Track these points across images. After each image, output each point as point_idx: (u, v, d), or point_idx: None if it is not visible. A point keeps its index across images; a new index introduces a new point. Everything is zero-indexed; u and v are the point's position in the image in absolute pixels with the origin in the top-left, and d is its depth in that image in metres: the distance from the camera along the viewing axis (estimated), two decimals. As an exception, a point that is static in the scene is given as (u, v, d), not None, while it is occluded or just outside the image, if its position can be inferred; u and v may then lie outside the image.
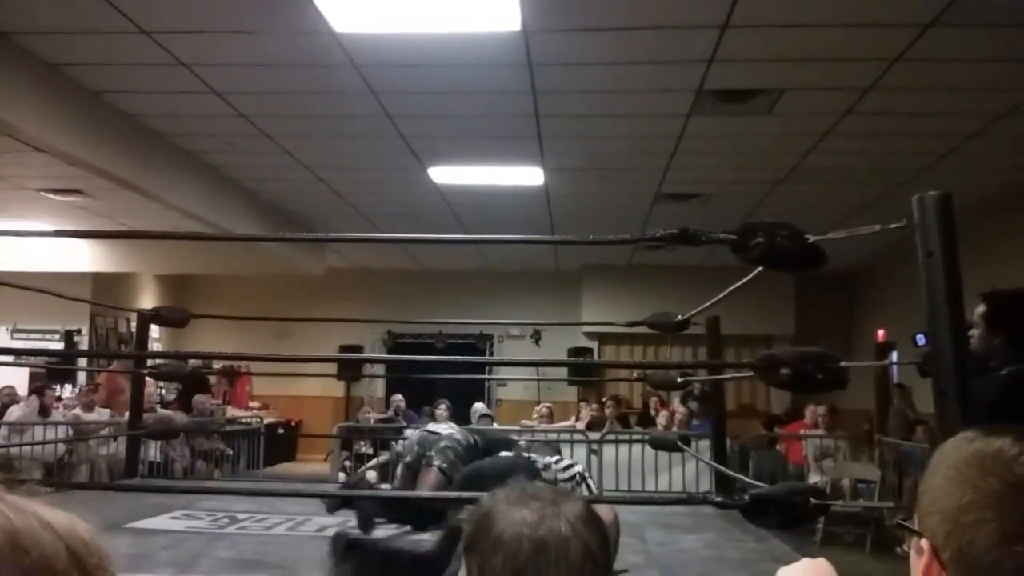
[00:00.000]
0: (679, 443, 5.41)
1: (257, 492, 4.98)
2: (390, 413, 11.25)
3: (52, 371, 11.54)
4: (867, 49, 5.35)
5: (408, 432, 4.85)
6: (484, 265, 13.96)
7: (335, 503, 4.44)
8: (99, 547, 0.76)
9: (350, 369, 11.39)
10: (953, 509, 0.93)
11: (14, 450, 7.91)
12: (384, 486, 6.44)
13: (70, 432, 8.87)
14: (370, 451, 9.66)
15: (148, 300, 13.38)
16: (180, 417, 9.76)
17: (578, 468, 4.30)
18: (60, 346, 12.73)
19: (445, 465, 4.41)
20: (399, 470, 5.08)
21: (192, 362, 7.75)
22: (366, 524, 4.31)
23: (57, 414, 9.15)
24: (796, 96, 6.14)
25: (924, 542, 0.96)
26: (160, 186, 7.69)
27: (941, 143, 7.16)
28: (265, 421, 12.73)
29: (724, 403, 5.71)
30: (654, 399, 11.25)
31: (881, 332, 12.33)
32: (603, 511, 4.94)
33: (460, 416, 9.17)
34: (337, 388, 13.70)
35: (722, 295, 3.98)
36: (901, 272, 10.11)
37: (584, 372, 12.83)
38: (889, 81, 5.76)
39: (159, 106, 6.73)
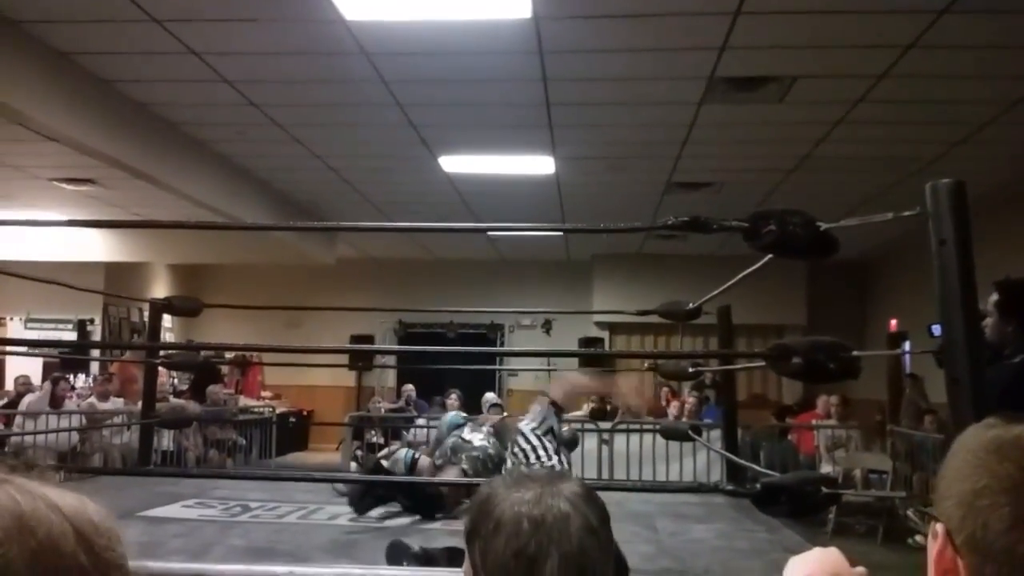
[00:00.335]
0: (690, 433, 5.41)
1: (270, 477, 5.01)
2: (401, 403, 11.28)
3: (66, 360, 11.60)
4: (880, 36, 5.32)
5: (446, 436, 4.82)
6: (495, 254, 13.96)
7: (362, 505, 4.42)
8: (109, 528, 0.76)
9: (361, 359, 11.41)
10: (968, 493, 0.93)
11: (28, 438, 7.95)
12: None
13: (84, 421, 8.92)
14: (381, 441, 9.69)
15: (161, 289, 13.44)
16: (193, 406, 9.79)
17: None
18: (73, 335, 12.80)
19: (469, 469, 4.42)
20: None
21: (204, 352, 7.78)
22: (359, 504, 4.33)
23: (71, 403, 9.21)
24: (808, 84, 6.11)
25: (939, 526, 0.97)
26: (172, 175, 7.71)
27: (955, 131, 7.11)
28: (277, 410, 12.78)
29: (735, 393, 5.69)
30: (665, 389, 11.24)
31: (894, 322, 12.28)
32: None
33: (470, 406, 9.17)
34: (348, 377, 13.73)
35: (733, 282, 3.97)
36: (914, 261, 10.07)
37: (595, 361, 12.82)
38: (902, 68, 5.72)
39: (170, 95, 6.75)
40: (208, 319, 12.73)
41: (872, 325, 13.25)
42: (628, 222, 4.03)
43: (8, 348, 10.46)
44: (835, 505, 6.29)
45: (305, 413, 14.22)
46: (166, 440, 8.68)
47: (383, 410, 10.96)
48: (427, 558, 3.11)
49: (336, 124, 7.41)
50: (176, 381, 12.08)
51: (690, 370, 5.32)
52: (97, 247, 11.63)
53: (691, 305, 4.38)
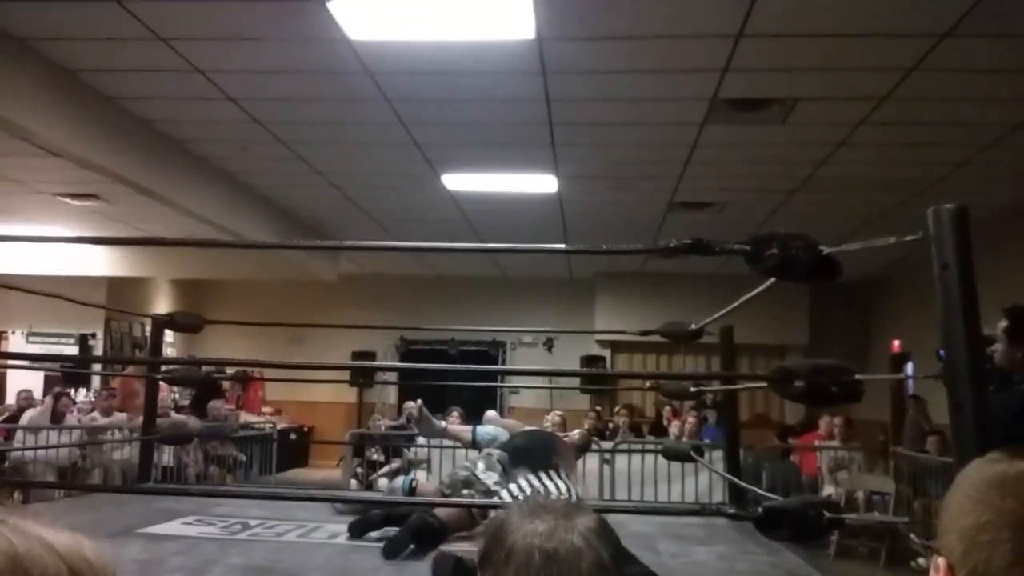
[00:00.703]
0: (692, 453, 5.39)
1: (271, 496, 4.99)
2: (402, 420, 11.25)
3: (67, 375, 11.59)
4: (882, 59, 5.33)
5: (483, 448, 4.80)
6: (497, 272, 13.96)
7: (361, 527, 4.39)
8: (104, 565, 0.75)
9: (363, 375, 11.39)
10: (970, 528, 0.93)
11: (28, 454, 7.94)
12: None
13: (85, 436, 8.90)
14: (382, 458, 9.66)
15: (163, 305, 13.45)
16: (194, 422, 9.78)
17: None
18: (75, 350, 12.80)
19: (477, 513, 4.42)
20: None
21: (206, 367, 7.78)
22: (360, 529, 4.30)
23: (71, 418, 9.19)
24: (811, 105, 6.12)
25: (941, 560, 0.96)
26: (175, 191, 7.73)
27: (957, 153, 7.12)
28: (278, 426, 12.75)
29: (738, 413, 5.68)
30: (667, 408, 11.22)
31: (896, 343, 12.26)
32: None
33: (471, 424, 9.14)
34: (350, 394, 13.71)
35: (735, 305, 3.97)
36: (917, 281, 10.06)
37: (597, 380, 12.82)
38: (904, 91, 5.73)
39: (174, 112, 6.77)
40: (210, 334, 12.72)
41: (875, 345, 13.23)
42: (630, 241, 4.04)
43: (10, 362, 10.47)
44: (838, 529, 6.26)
45: (306, 429, 14.19)
46: (167, 456, 8.66)
47: (383, 428, 10.93)
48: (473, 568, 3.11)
49: (339, 142, 7.43)
50: (177, 396, 12.07)
51: (692, 390, 5.31)
52: (100, 262, 11.64)
53: (693, 326, 4.38)
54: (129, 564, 3.22)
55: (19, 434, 8.53)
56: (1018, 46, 5.10)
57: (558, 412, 10.66)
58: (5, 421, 9.39)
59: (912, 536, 7.53)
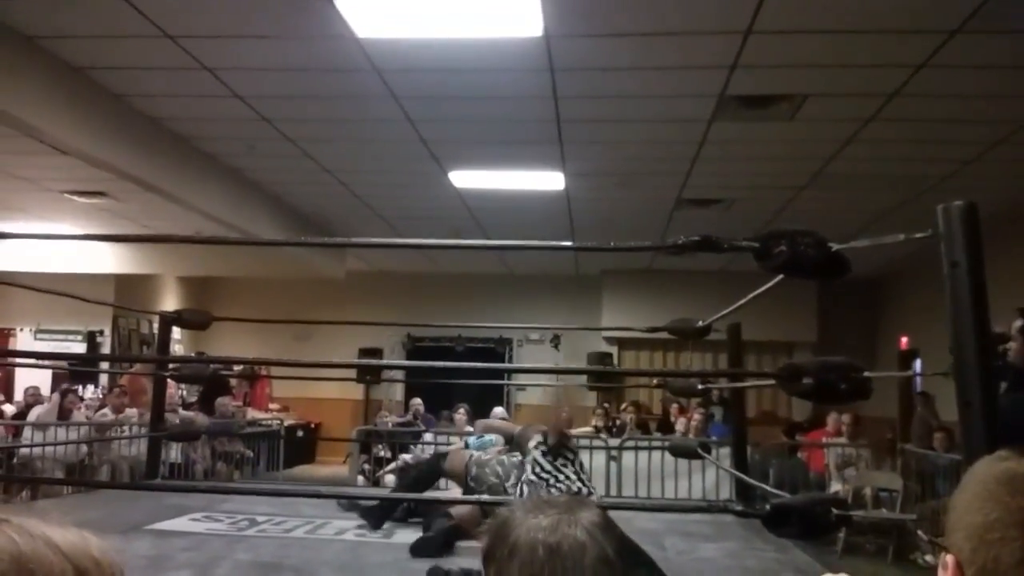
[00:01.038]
0: (699, 450, 5.39)
1: (278, 493, 5.00)
2: (408, 417, 11.27)
3: (75, 372, 11.63)
4: (891, 55, 5.31)
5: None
6: (504, 269, 13.96)
7: (372, 518, 4.42)
8: (111, 563, 0.75)
9: (369, 372, 11.41)
10: (979, 526, 0.92)
11: (36, 451, 7.97)
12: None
13: (93, 433, 8.92)
14: (388, 455, 9.67)
15: (170, 302, 13.48)
16: (201, 419, 9.80)
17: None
18: (83, 347, 12.84)
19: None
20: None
21: (213, 364, 7.79)
22: (375, 520, 4.32)
23: (79, 415, 9.22)
24: (819, 102, 6.10)
25: (949, 558, 0.96)
26: (183, 189, 7.74)
27: (966, 150, 7.09)
28: (285, 423, 12.78)
29: (745, 410, 5.67)
30: (674, 405, 11.21)
31: (904, 339, 12.23)
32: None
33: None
34: (356, 391, 13.72)
35: (742, 302, 3.96)
36: (925, 278, 10.04)
37: (604, 377, 12.80)
38: (913, 88, 5.71)
39: (182, 109, 6.78)
40: (217, 331, 12.77)
41: (883, 342, 13.19)
42: (638, 238, 4.05)
43: (18, 360, 10.50)
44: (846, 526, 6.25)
45: (313, 426, 14.21)
46: (174, 452, 8.68)
47: (390, 424, 10.94)
48: None
49: (347, 139, 7.44)
50: (185, 393, 12.09)
51: (699, 387, 5.31)
52: (107, 259, 11.67)
53: (701, 323, 4.37)
54: (138, 560, 3.23)
55: (27, 431, 8.55)
56: (1027, 42, 5.07)
57: (565, 409, 10.70)
58: (13, 418, 9.42)
59: (919, 533, 7.52)
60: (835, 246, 2.39)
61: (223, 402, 10.71)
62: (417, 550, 3.78)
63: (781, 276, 2.86)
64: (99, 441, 8.68)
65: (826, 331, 13.08)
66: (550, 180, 8.43)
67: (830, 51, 5.29)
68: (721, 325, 4.57)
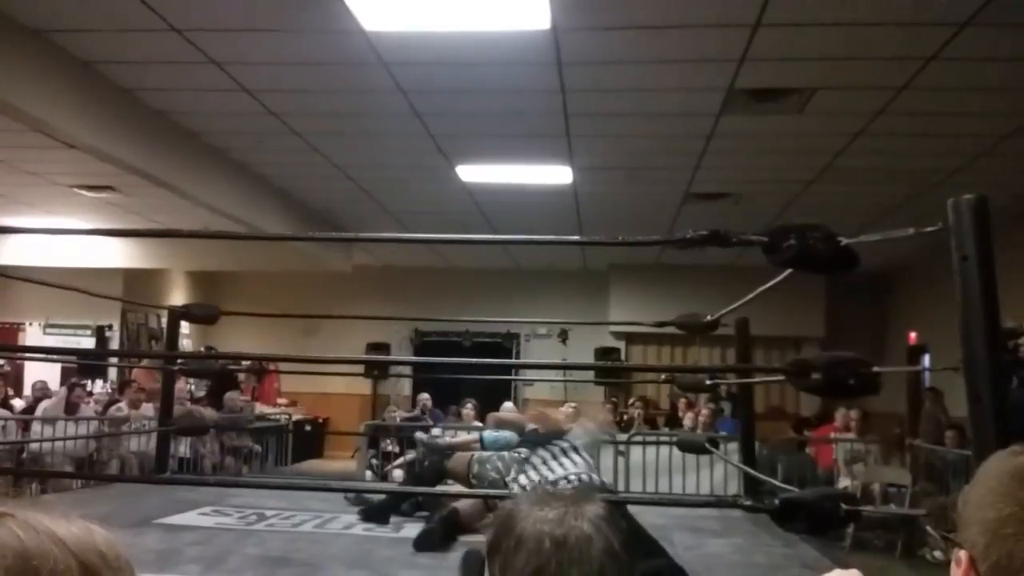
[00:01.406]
0: (707, 445, 5.38)
1: (286, 487, 5.02)
2: (416, 412, 11.27)
3: (84, 366, 11.67)
4: (901, 48, 5.29)
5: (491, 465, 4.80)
6: (511, 263, 13.96)
7: (377, 514, 4.43)
8: (117, 556, 0.74)
9: (377, 367, 11.42)
10: (993, 521, 0.92)
11: (46, 445, 7.99)
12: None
13: (103, 427, 8.95)
14: (396, 449, 9.68)
15: (179, 296, 13.51)
16: (210, 413, 9.83)
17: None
18: (92, 341, 12.87)
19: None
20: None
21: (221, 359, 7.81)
22: (382, 514, 4.33)
23: (88, 409, 9.25)
24: (828, 95, 6.08)
25: (963, 553, 0.95)
26: (191, 183, 7.75)
27: (976, 143, 7.06)
28: (293, 418, 12.80)
29: (753, 405, 5.66)
30: (682, 400, 11.19)
31: (913, 334, 12.18)
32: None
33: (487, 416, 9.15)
34: (364, 385, 13.73)
35: (750, 296, 3.95)
36: (934, 273, 10.00)
37: (611, 372, 12.78)
38: (923, 81, 5.68)
39: (190, 104, 6.78)
40: (225, 326, 12.77)
41: (891, 337, 13.15)
42: (645, 232, 4.02)
43: (28, 355, 10.53)
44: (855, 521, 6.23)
45: (321, 420, 14.24)
46: (183, 447, 8.71)
47: (398, 419, 10.96)
48: None
49: (354, 133, 7.43)
50: (193, 388, 12.12)
51: (707, 382, 5.29)
52: (116, 254, 11.69)
53: (709, 317, 4.36)
54: (146, 554, 3.23)
55: (35, 425, 8.59)
56: (1039, 35, 5.04)
57: (572, 404, 10.68)
58: (21, 412, 9.45)
59: (929, 528, 7.50)
60: (844, 240, 2.37)
61: (231, 397, 10.75)
62: (420, 543, 3.78)
63: (790, 270, 2.85)
64: (107, 436, 8.70)
65: (834, 326, 13.04)
66: (558, 174, 8.41)
67: (839, 44, 5.26)
68: (729, 320, 4.56)
